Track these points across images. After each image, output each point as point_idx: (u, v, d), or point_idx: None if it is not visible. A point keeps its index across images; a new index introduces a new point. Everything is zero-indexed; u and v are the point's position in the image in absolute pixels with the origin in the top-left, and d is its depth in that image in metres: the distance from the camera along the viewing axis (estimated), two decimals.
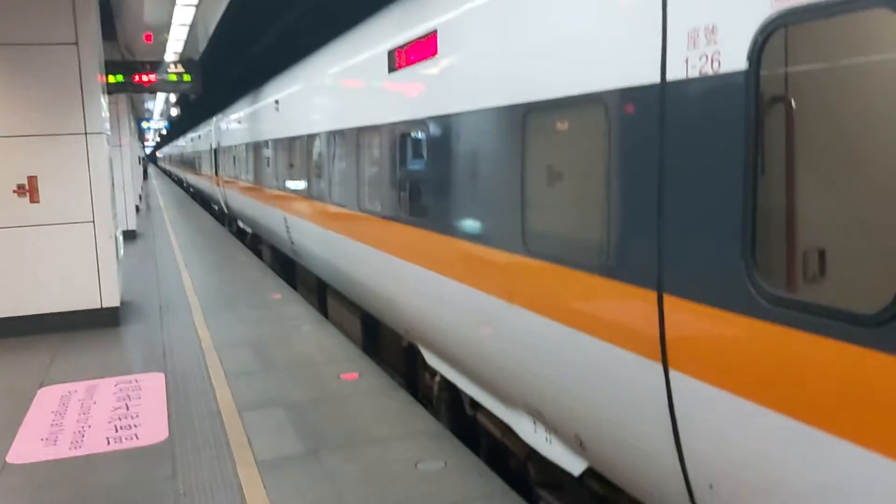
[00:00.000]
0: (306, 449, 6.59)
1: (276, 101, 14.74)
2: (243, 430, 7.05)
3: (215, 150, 27.29)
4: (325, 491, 5.79)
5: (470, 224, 5.89)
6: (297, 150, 12.75)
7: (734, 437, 3.39)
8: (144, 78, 16.68)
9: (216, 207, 30.65)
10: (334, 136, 10.16)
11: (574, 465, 5.06)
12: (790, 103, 3.41)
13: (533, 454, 5.88)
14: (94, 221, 11.20)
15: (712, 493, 3.63)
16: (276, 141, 14.85)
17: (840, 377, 2.81)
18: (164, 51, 18.08)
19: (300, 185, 12.54)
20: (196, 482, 6.02)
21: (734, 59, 3.21)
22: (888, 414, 2.63)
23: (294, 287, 15.68)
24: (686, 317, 3.59)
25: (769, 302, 3.11)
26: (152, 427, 7.24)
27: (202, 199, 38.69)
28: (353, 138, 9.18)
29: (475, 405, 6.82)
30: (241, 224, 23.22)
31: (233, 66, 21.96)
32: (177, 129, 68.54)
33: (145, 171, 60.34)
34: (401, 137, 7.41)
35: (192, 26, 14.91)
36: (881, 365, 2.62)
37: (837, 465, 2.85)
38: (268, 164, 15.90)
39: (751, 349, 3.24)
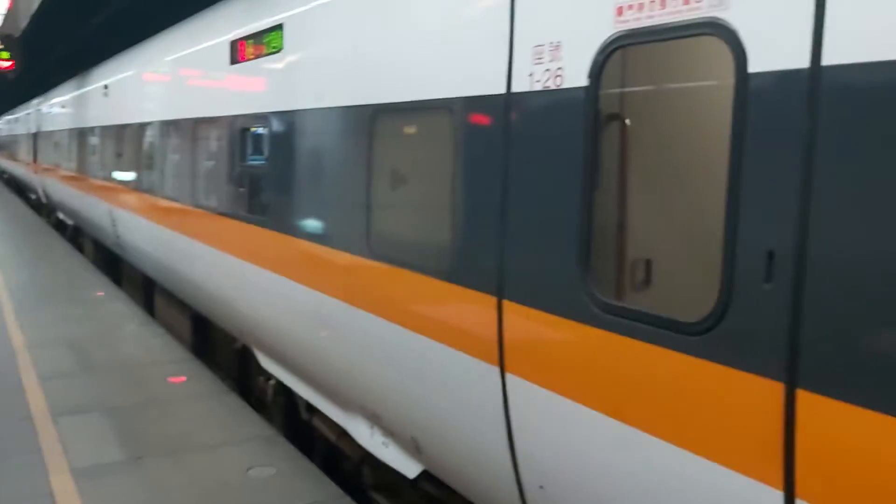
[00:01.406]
0: (128, 456, 6.20)
1: (106, 86, 13.86)
2: (58, 437, 6.54)
3: (35, 135, 25.31)
4: (147, 500, 5.47)
5: (312, 224, 5.78)
6: (126, 139, 12.05)
7: (565, 439, 3.52)
8: None
9: (34, 197, 28.43)
10: (169, 126, 9.68)
11: (410, 469, 5.07)
12: (625, 121, 3.60)
13: (368, 458, 5.85)
14: None
15: (542, 494, 3.75)
16: (104, 128, 13.96)
17: (665, 383, 2.97)
18: None
19: (129, 176, 11.85)
20: (3, 492, 5.51)
21: (576, 76, 3.33)
22: (710, 419, 2.81)
23: (118, 284, 14.78)
24: (524, 322, 3.68)
25: (601, 309, 3.24)
26: None
27: (18, 187, 35.78)
28: (189, 129, 8.78)
29: (311, 409, 6.70)
30: (61, 216, 21.64)
31: (59, 46, 20.45)
32: None
33: None
34: (241, 131, 7.16)
35: (14, 0, 13.74)
36: (703, 372, 2.80)
37: (663, 468, 3.01)
38: (93, 153, 14.92)
39: (584, 355, 3.37)
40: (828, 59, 2.38)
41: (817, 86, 2.41)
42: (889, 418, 2.24)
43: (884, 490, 2.28)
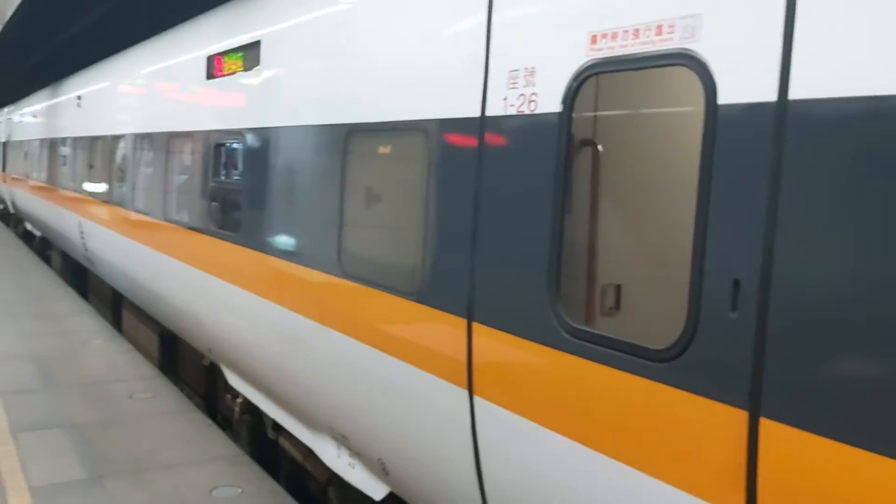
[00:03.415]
0: (89, 475, 6.08)
1: (79, 97, 13.74)
2: (17, 454, 6.40)
3: (4, 144, 25.00)
4: None
5: (284, 241, 5.75)
6: (98, 151, 11.93)
7: (532, 463, 3.51)
8: None
9: (1, 206, 28.01)
10: (142, 139, 9.61)
11: (376, 491, 5.02)
12: (596, 147, 3.63)
13: (334, 479, 5.79)
14: None
15: None
16: (75, 139, 13.82)
17: (632, 409, 2.98)
18: None
19: (100, 188, 11.73)
20: None
21: (549, 102, 3.36)
22: (676, 446, 2.81)
23: (85, 298, 14.57)
24: (493, 345, 3.68)
25: (569, 334, 3.25)
26: None
27: None
28: (162, 143, 8.72)
29: (278, 428, 6.63)
30: (28, 226, 21.33)
31: (31, 55, 20.26)
32: None
33: None
34: (215, 147, 7.12)
35: None
36: (669, 399, 2.81)
37: (629, 494, 3.01)
38: (64, 164, 14.75)
39: (551, 379, 3.37)
40: (794, 93, 2.42)
41: (784, 118, 2.45)
42: (849, 448, 2.26)
43: None
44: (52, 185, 15.94)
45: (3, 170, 24.84)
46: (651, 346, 2.88)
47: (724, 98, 2.65)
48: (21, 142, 21.26)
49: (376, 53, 4.72)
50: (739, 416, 2.55)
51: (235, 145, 6.79)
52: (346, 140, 4.92)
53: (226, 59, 6.92)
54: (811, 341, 2.38)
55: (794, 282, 2.43)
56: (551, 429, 3.34)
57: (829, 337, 2.34)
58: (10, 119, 24.36)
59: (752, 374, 2.52)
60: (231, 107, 6.87)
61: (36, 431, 6.94)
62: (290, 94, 5.80)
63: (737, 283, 2.57)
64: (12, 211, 24.20)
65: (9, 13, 15.01)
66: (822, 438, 2.32)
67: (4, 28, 16.98)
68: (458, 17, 4.03)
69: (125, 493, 5.81)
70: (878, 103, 2.22)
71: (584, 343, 3.17)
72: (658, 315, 3.38)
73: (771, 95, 2.48)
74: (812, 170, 2.39)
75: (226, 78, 6.93)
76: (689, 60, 2.76)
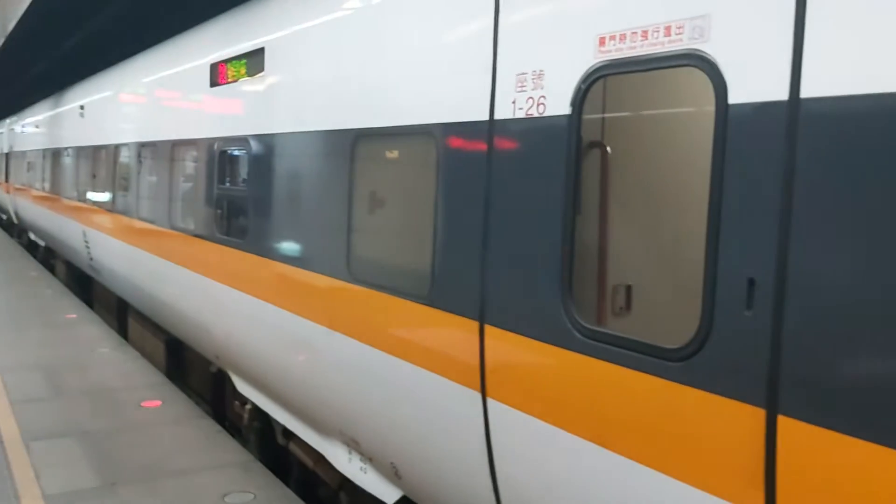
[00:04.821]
0: (102, 482, 6.09)
1: (82, 107, 13.77)
2: (30, 463, 6.41)
3: (6, 155, 25.05)
4: None
5: (291, 247, 5.76)
6: (102, 160, 11.96)
7: (546, 464, 3.52)
8: None
9: (4, 217, 28.06)
10: (146, 147, 9.63)
11: (388, 495, 5.03)
12: (605, 149, 3.65)
13: (346, 484, 5.80)
14: None
15: None
16: (78, 149, 13.86)
17: (647, 409, 2.99)
18: None
19: (104, 197, 11.76)
20: None
21: (558, 104, 3.37)
22: (692, 445, 2.82)
23: (91, 306, 14.59)
24: (505, 347, 3.69)
25: (582, 334, 3.26)
26: None
27: None
28: (166, 151, 8.74)
29: (288, 434, 6.64)
30: (32, 236, 21.37)
31: (32, 65, 20.31)
32: None
33: None
34: (220, 154, 7.14)
35: None
36: (685, 398, 2.82)
37: (646, 494, 3.02)
38: (67, 173, 14.79)
39: (565, 380, 3.38)
40: (806, 91, 2.44)
41: (796, 117, 2.46)
42: (868, 444, 2.27)
43: None
44: (55, 195, 15.98)
45: (6, 180, 24.88)
46: (666, 346, 2.89)
47: (734, 98, 2.67)
48: (24, 152, 21.30)
49: (383, 59, 4.73)
50: (757, 414, 2.56)
51: (240, 153, 6.81)
52: (353, 145, 4.94)
53: (230, 66, 6.94)
54: (827, 338, 2.39)
55: (810, 280, 2.44)
56: (565, 429, 3.35)
57: (845, 333, 2.35)
58: (12, 130, 24.40)
59: (768, 371, 2.53)
60: (236, 114, 6.89)
61: (47, 440, 6.95)
62: (296, 101, 5.82)
63: (752, 282, 2.58)
64: (16, 221, 24.24)
65: (10, 26, 15.07)
66: (840, 434, 2.33)
67: (6, 40, 17.03)
68: (465, 20, 4.04)
69: (138, 500, 5.82)
70: (893, 101, 2.23)
71: (597, 343, 3.18)
72: (669, 315, 3.39)
73: (782, 94, 2.50)
74: (825, 167, 2.41)
75: (229, 85, 6.95)
76: (699, 61, 2.77)
